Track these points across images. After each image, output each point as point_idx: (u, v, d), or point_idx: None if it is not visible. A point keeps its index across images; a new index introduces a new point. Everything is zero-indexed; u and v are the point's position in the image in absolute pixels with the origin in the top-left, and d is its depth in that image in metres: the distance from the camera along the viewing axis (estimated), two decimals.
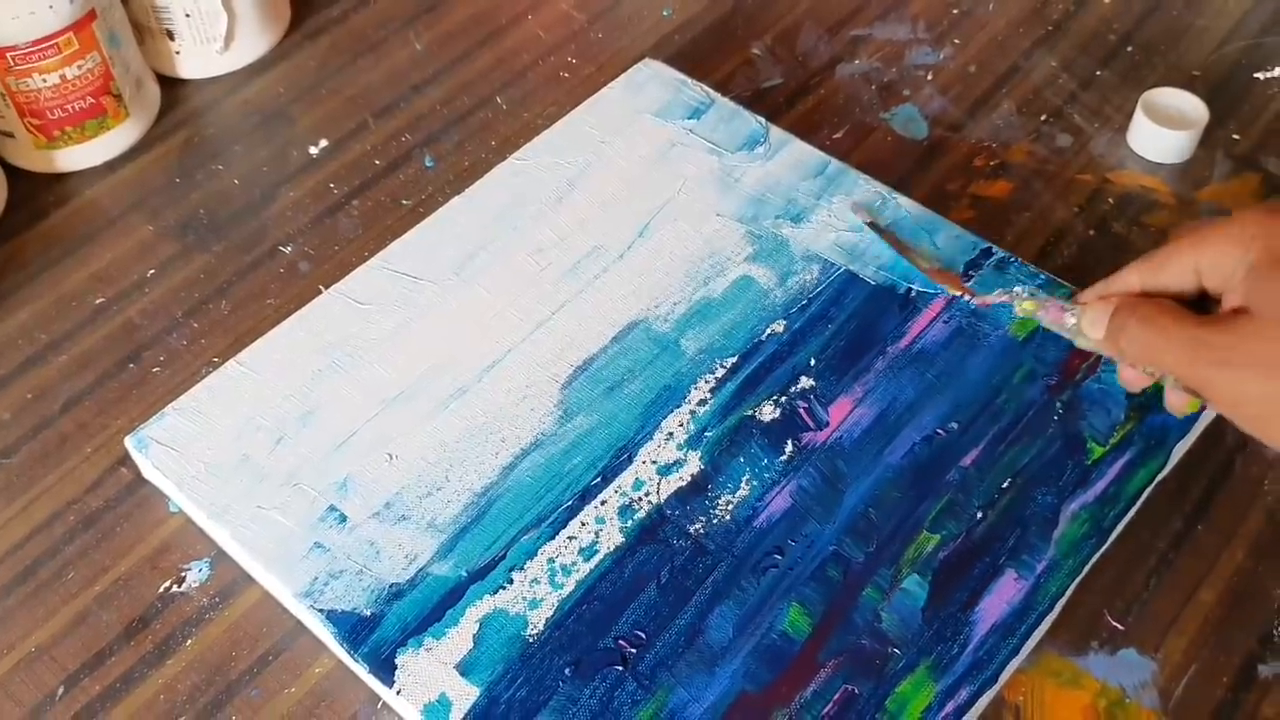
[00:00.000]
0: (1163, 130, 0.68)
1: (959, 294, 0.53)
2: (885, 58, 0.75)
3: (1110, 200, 0.67)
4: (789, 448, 0.55)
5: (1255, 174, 0.68)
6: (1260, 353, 0.41)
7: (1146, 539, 0.54)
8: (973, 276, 0.59)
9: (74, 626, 0.53)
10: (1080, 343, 0.48)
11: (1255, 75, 0.73)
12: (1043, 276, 0.60)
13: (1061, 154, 0.69)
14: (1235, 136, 0.70)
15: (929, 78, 0.74)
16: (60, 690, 0.51)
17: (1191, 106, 0.69)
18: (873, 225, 0.59)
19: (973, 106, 0.72)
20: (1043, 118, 0.71)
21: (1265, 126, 0.71)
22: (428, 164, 0.70)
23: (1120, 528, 0.53)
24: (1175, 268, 0.45)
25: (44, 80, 0.65)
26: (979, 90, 0.73)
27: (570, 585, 0.51)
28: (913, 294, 0.60)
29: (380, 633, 0.50)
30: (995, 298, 0.50)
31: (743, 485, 0.53)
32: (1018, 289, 0.50)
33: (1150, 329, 0.45)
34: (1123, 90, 0.72)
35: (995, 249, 0.61)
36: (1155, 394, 0.56)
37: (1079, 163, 0.69)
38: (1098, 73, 0.74)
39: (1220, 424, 0.57)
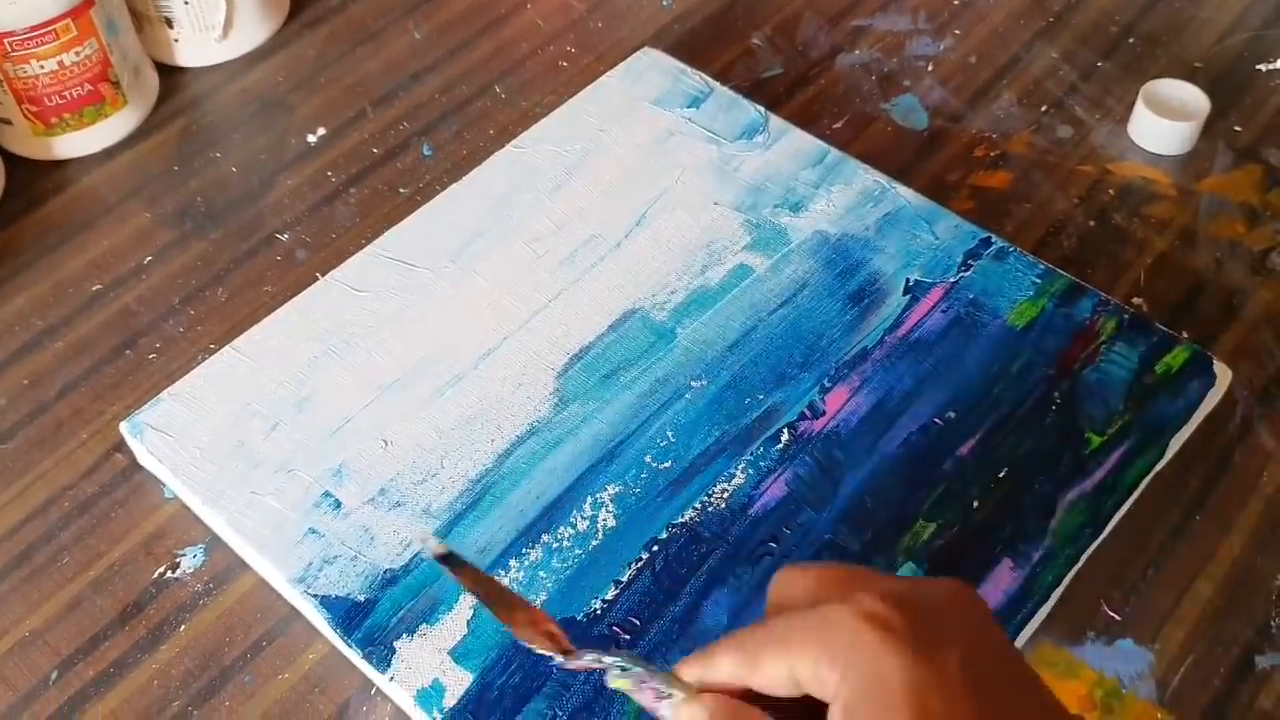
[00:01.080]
0: (1164, 121, 0.67)
1: (551, 654, 0.42)
2: (886, 48, 0.75)
3: (1111, 191, 0.67)
4: (785, 436, 0.54)
5: (1257, 165, 0.68)
6: None
7: (1145, 530, 0.54)
8: (569, 635, 0.43)
9: (68, 611, 0.53)
10: None
11: (1257, 67, 0.73)
12: (1041, 267, 0.60)
13: (1062, 145, 0.69)
14: (1237, 128, 0.70)
15: (929, 68, 0.73)
16: (54, 675, 0.51)
17: (1193, 98, 0.69)
18: (445, 558, 0.44)
19: (973, 97, 0.72)
20: (1043, 109, 0.71)
21: (1267, 119, 0.70)
22: (426, 152, 0.69)
23: (1118, 518, 0.53)
24: (770, 670, 0.36)
25: (41, 67, 0.65)
26: (979, 81, 0.73)
27: (565, 571, 0.51)
28: (911, 283, 0.59)
29: (374, 618, 0.50)
30: (587, 664, 0.42)
31: (738, 474, 0.53)
32: (609, 659, 0.40)
33: None
34: (1124, 81, 0.72)
35: (994, 238, 0.61)
36: (1154, 386, 0.56)
37: (1079, 154, 0.69)
38: (1099, 64, 0.73)
39: (1220, 415, 0.57)
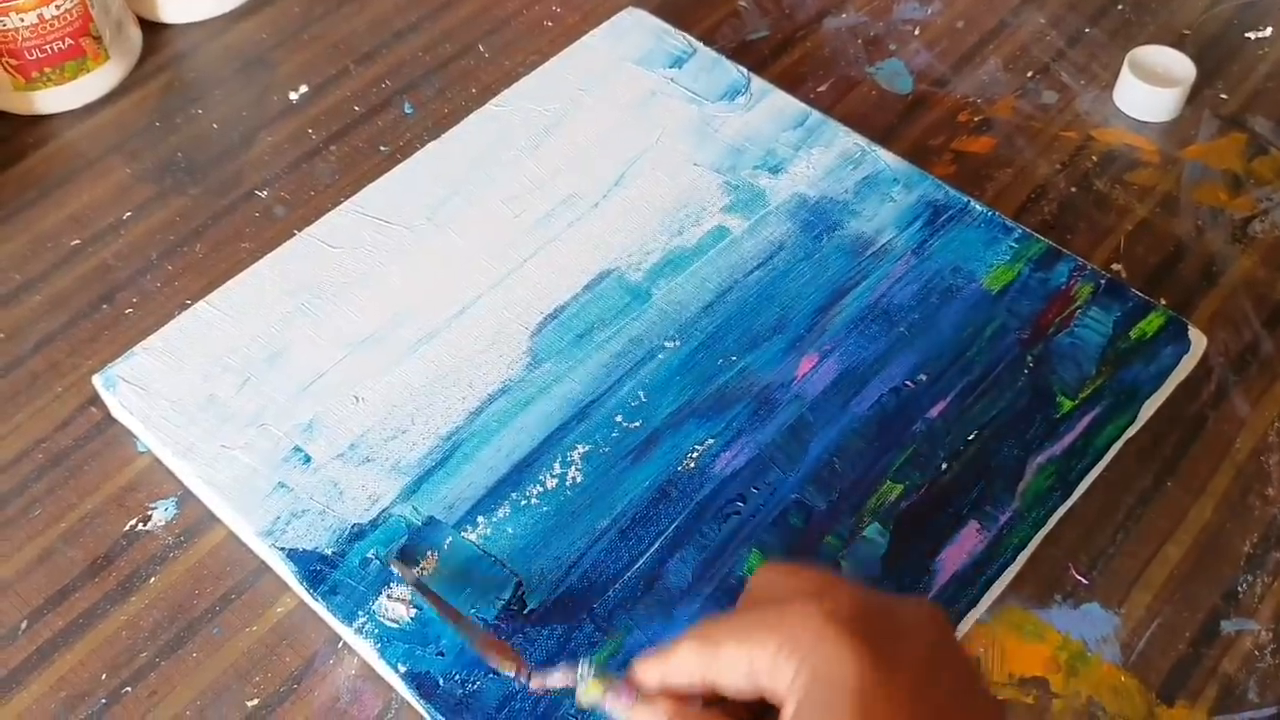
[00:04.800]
0: (1149, 88, 0.67)
1: (513, 673, 0.43)
2: (873, 11, 0.74)
3: (1094, 158, 0.66)
4: (756, 397, 0.54)
5: (1241, 133, 0.67)
6: None
7: (1116, 494, 0.54)
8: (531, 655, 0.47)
9: (39, 563, 0.53)
10: None
11: (1246, 35, 0.72)
12: (1019, 231, 0.60)
13: (1046, 111, 0.69)
14: (1223, 96, 0.69)
15: (916, 32, 0.73)
16: (23, 625, 0.51)
17: (1179, 64, 0.68)
18: (416, 585, 0.47)
19: (959, 62, 0.71)
20: (1029, 74, 0.71)
21: (1254, 86, 0.70)
22: (407, 110, 0.69)
23: (1089, 482, 0.53)
24: (729, 658, 0.36)
25: (21, 20, 0.65)
26: (966, 46, 0.72)
27: (532, 528, 0.51)
28: (888, 245, 0.59)
29: (341, 572, 0.50)
30: (559, 680, 0.41)
31: (708, 434, 0.53)
32: (583, 669, 0.40)
33: None
34: (1111, 48, 0.72)
35: (974, 202, 0.61)
36: (1128, 351, 0.56)
37: (1064, 119, 0.68)
38: (1086, 30, 0.73)
39: (1195, 381, 0.57)
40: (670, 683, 0.38)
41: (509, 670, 0.45)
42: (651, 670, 0.39)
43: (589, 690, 0.40)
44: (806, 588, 0.37)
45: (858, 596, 0.36)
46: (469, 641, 0.47)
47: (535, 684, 0.43)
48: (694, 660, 0.37)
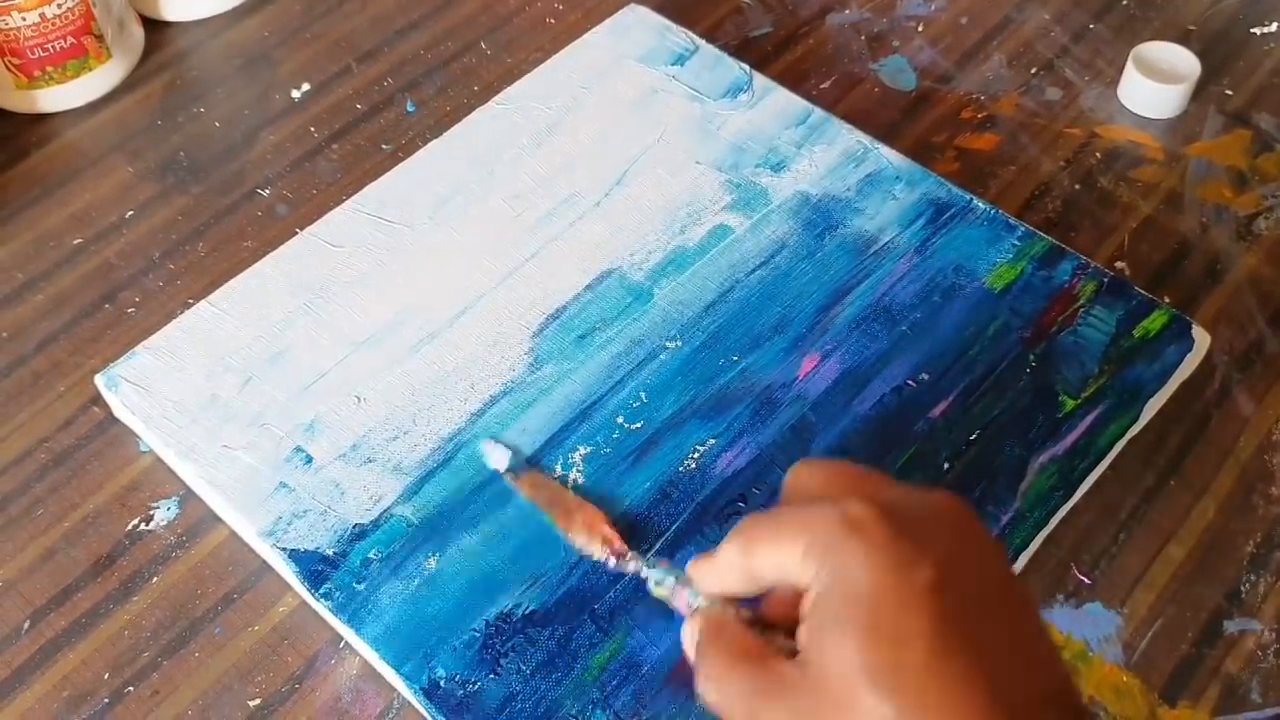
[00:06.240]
0: (1153, 84, 0.67)
1: (604, 559, 0.47)
2: (876, 8, 0.74)
3: (1098, 154, 0.66)
4: (758, 397, 0.54)
5: (1246, 130, 0.67)
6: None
7: (1118, 494, 0.54)
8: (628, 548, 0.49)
9: (42, 562, 0.53)
10: None
11: (1252, 30, 0.72)
12: (1022, 229, 0.59)
13: (1050, 107, 0.69)
14: (1228, 92, 0.69)
15: (919, 29, 0.73)
16: (26, 625, 0.51)
17: (1183, 61, 0.68)
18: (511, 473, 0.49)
19: (962, 58, 0.71)
20: (1033, 71, 0.70)
21: (1259, 83, 0.70)
22: (409, 109, 0.69)
23: (1091, 482, 0.53)
24: (762, 556, 0.38)
25: (23, 19, 0.65)
26: (969, 42, 0.72)
27: (534, 530, 0.51)
28: (890, 244, 0.59)
29: (342, 572, 0.50)
30: (632, 570, 0.45)
31: (709, 434, 0.53)
32: (650, 570, 0.44)
33: (718, 683, 0.38)
34: (1115, 44, 0.71)
35: (976, 200, 0.61)
36: (1131, 349, 0.56)
37: (1068, 116, 0.68)
38: (1091, 26, 0.73)
39: (1198, 380, 0.57)
40: (720, 582, 0.40)
41: (600, 554, 0.48)
42: (701, 570, 0.41)
43: (655, 591, 0.44)
44: (833, 488, 0.38)
45: (880, 498, 0.36)
46: (560, 525, 0.49)
47: (623, 569, 0.47)
48: (737, 559, 0.38)
